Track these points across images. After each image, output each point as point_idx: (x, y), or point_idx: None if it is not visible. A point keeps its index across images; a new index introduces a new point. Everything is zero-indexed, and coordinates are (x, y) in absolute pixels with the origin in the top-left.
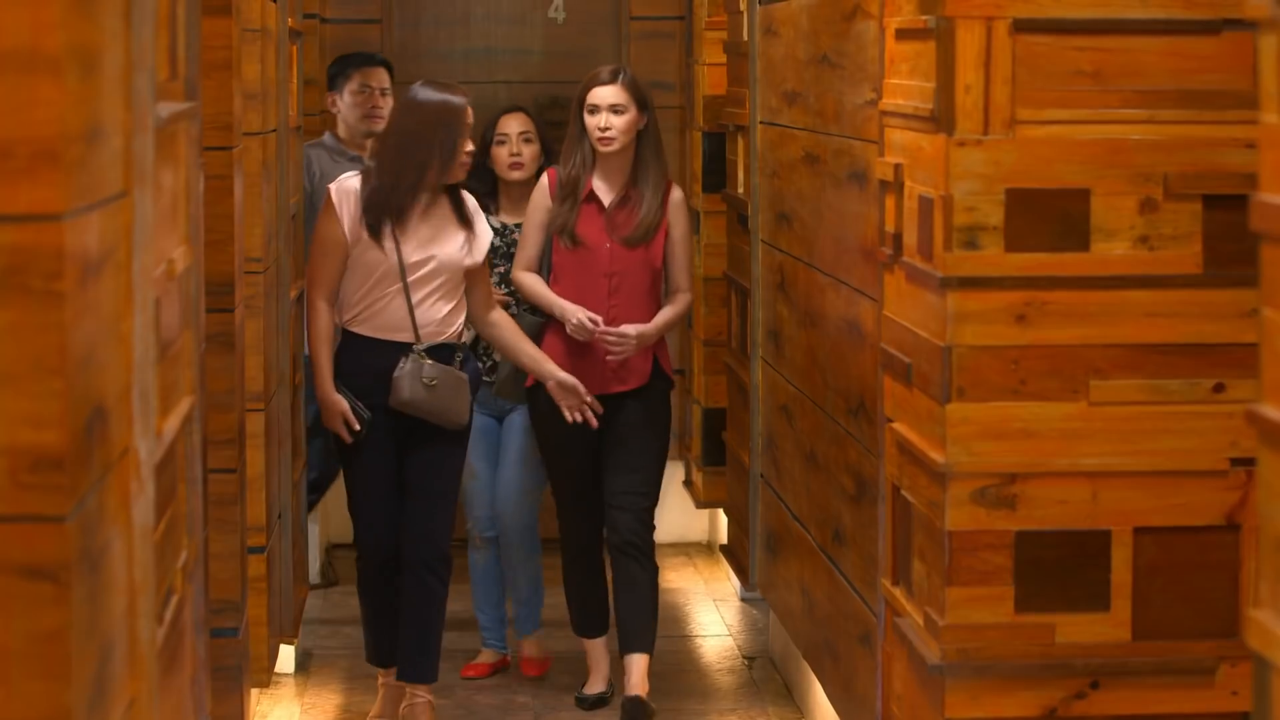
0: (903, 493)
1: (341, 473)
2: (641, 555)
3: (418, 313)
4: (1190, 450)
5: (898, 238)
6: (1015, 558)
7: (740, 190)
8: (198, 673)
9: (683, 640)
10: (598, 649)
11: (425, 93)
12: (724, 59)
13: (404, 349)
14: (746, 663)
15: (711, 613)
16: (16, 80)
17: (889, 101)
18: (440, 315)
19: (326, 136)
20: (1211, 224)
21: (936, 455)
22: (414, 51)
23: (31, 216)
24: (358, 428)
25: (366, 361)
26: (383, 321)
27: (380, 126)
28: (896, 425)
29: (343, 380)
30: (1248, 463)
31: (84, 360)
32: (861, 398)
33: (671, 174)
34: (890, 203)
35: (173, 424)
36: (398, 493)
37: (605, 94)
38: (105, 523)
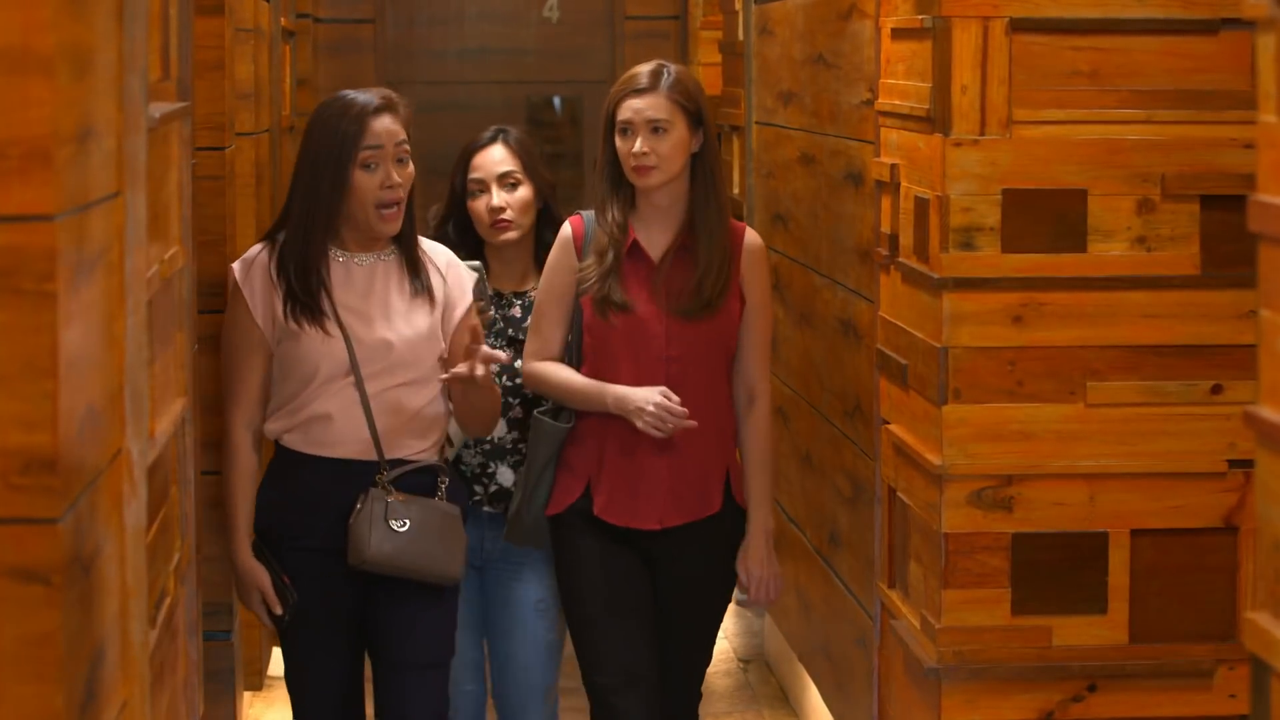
0: (899, 495)
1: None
2: None
3: (378, 418)
4: (1188, 452)
5: (894, 238)
6: (1012, 560)
7: (736, 191)
8: (190, 676)
9: None
10: None
11: (327, 105)
12: (719, 59)
13: (363, 474)
14: (742, 666)
15: None
16: (8, 80)
17: (885, 102)
18: (407, 416)
19: None
20: (1209, 225)
21: (933, 457)
22: (407, 51)
23: (23, 217)
24: (278, 611)
25: (307, 489)
26: (329, 432)
27: None
28: (893, 427)
29: (274, 517)
30: (1246, 464)
31: (76, 361)
32: (857, 399)
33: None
34: (886, 203)
35: (165, 426)
36: (357, 667)
37: (642, 106)
38: (97, 525)
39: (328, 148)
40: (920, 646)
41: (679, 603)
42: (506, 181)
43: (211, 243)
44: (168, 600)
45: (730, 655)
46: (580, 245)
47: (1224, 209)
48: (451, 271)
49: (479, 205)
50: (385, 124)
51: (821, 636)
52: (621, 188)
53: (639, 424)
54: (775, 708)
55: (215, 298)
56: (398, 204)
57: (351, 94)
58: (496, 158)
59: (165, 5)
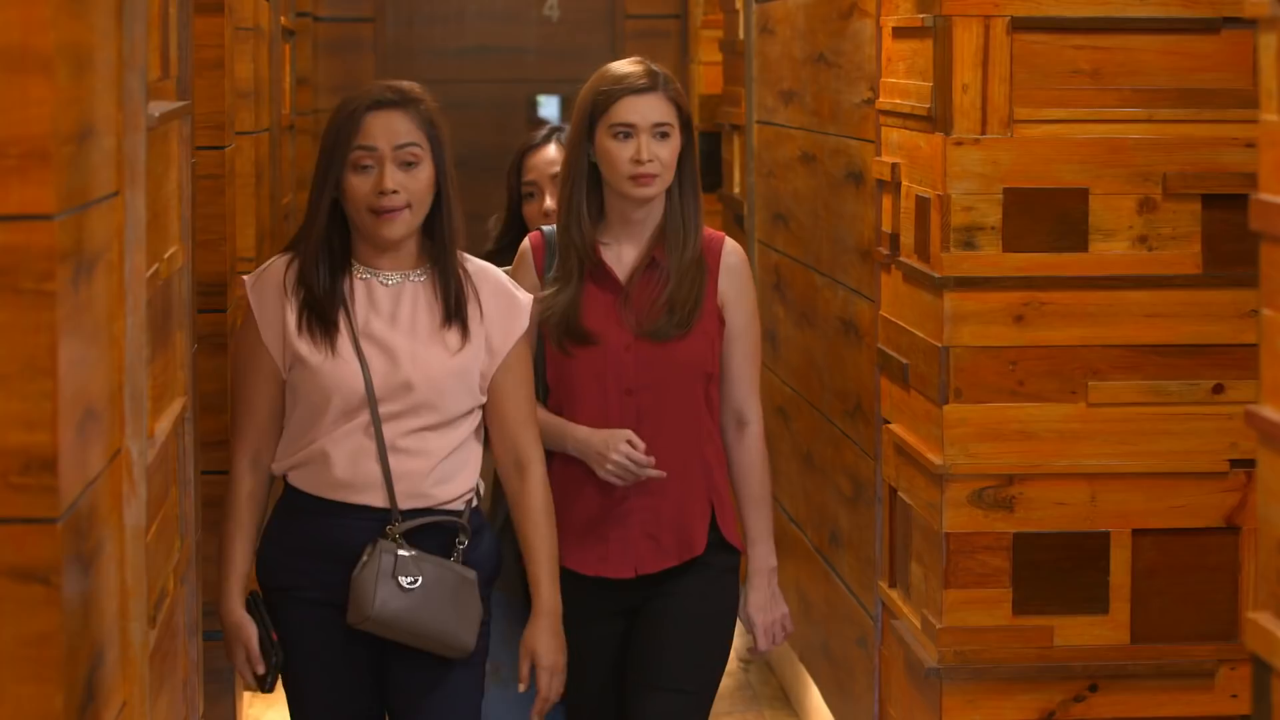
0: (900, 495)
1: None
2: None
3: (394, 461)
4: (1189, 452)
5: (895, 238)
6: (1013, 560)
7: (736, 190)
8: (190, 675)
9: None
10: None
11: (343, 98)
12: (720, 58)
13: (375, 522)
14: (743, 665)
15: None
16: (8, 79)
17: (886, 100)
18: (432, 464)
19: None
20: (1211, 224)
21: (934, 457)
22: (407, 50)
23: (23, 216)
24: (260, 671)
25: (314, 535)
26: (339, 474)
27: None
28: (894, 426)
29: (278, 563)
30: (1247, 464)
31: (76, 361)
32: (858, 399)
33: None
34: (887, 203)
35: (165, 425)
36: None
37: (644, 108)
38: (97, 524)
39: (323, 147)
40: (921, 646)
41: (669, 639)
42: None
43: (211, 242)
44: (168, 600)
45: (731, 655)
46: (541, 264)
47: (1225, 208)
48: (496, 303)
49: (532, 208)
50: (386, 122)
51: (822, 636)
52: (592, 198)
53: (600, 474)
54: (776, 708)
55: (215, 297)
56: (396, 210)
57: (366, 88)
58: (550, 158)
59: (165, 4)
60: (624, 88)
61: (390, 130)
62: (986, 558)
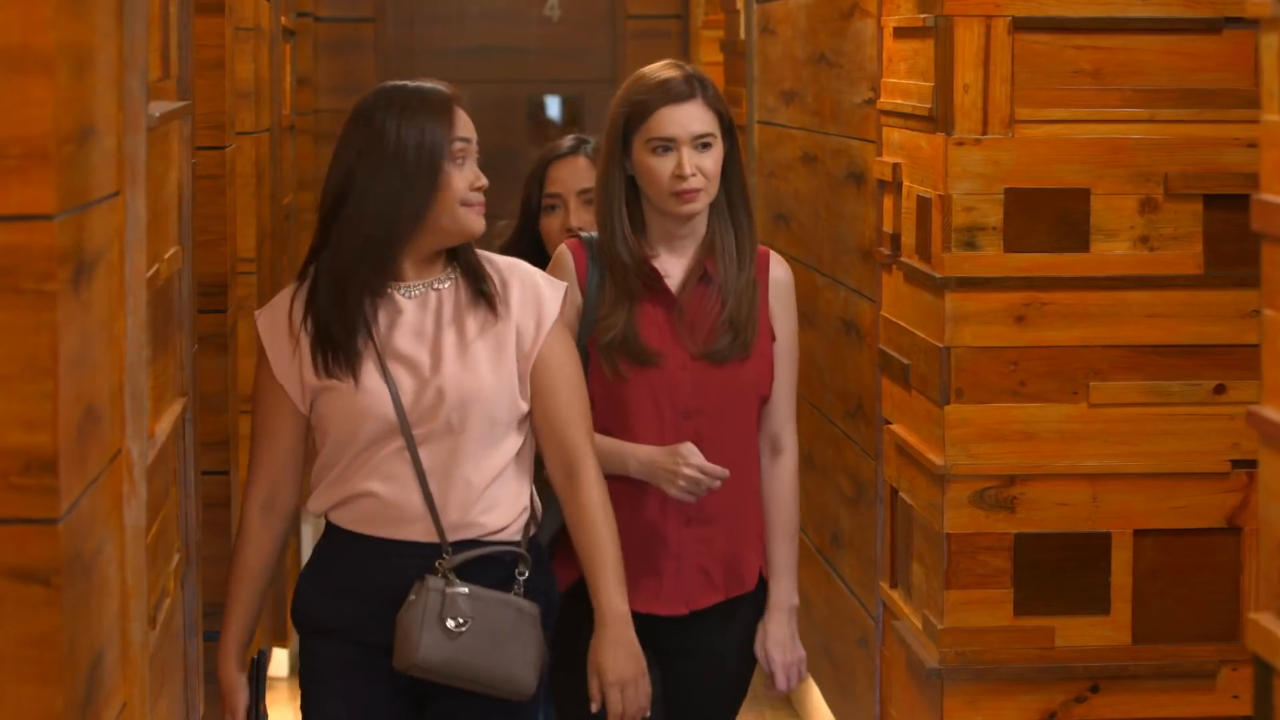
0: (901, 495)
1: None
2: None
3: (435, 487)
4: (1191, 452)
5: (896, 238)
6: (1014, 560)
7: None
8: (190, 676)
9: None
10: None
11: (385, 96)
12: (721, 58)
13: (422, 558)
14: None
15: None
16: (8, 79)
17: (887, 101)
18: (479, 488)
19: None
20: (1212, 224)
21: (935, 457)
22: (407, 50)
23: (23, 216)
24: None
25: (357, 575)
26: (379, 508)
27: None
28: (895, 427)
29: (322, 607)
30: (1249, 465)
31: (76, 361)
32: (859, 399)
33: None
34: (888, 203)
35: (165, 426)
36: None
37: (685, 118)
38: (97, 525)
39: (413, 142)
40: (922, 647)
41: (706, 678)
42: (585, 198)
43: (211, 242)
44: (168, 601)
45: None
46: (584, 273)
47: (1227, 208)
48: (522, 295)
49: (552, 223)
50: (465, 116)
51: (823, 637)
52: (635, 210)
53: (672, 491)
54: (777, 708)
55: (215, 297)
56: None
57: (414, 83)
58: (579, 171)
59: (165, 4)
60: (661, 98)
61: (470, 124)
62: (988, 558)
